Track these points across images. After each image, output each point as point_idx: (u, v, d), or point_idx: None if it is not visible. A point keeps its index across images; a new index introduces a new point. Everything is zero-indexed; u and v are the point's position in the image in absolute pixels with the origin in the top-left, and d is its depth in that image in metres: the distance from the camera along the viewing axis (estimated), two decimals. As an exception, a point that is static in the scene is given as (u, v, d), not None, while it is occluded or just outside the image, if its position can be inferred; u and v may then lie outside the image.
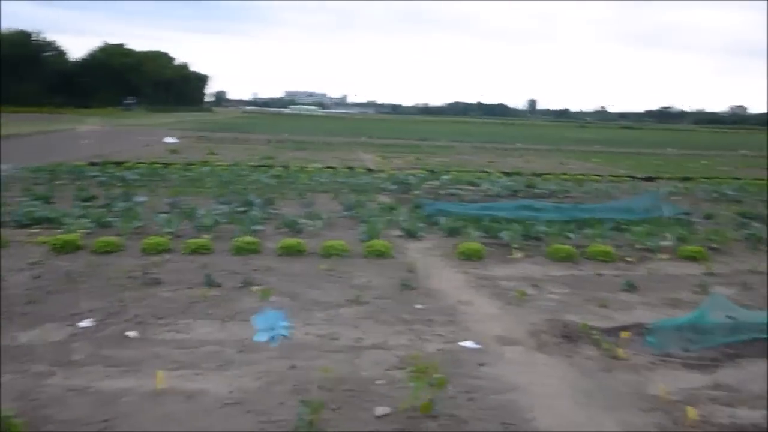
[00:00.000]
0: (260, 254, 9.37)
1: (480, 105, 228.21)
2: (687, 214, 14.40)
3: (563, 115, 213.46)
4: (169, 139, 32.74)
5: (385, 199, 15.48)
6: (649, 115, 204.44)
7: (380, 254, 9.50)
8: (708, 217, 14.47)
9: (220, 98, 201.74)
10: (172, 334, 6.15)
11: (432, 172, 21.58)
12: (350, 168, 22.00)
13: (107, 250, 9.07)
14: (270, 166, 21.44)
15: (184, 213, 11.55)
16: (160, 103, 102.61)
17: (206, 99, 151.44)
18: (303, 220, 11.37)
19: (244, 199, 13.58)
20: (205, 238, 9.83)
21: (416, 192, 16.71)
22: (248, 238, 9.67)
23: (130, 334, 6.04)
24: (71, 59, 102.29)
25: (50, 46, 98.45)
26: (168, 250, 9.31)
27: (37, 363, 5.32)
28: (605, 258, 9.83)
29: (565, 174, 23.31)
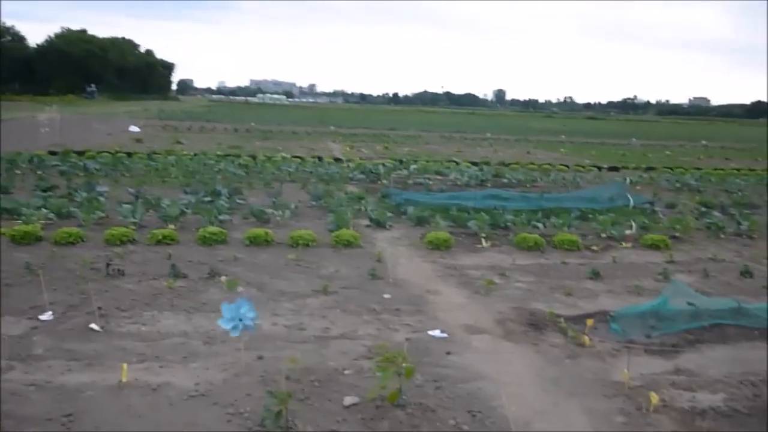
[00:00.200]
0: (227, 244, 9.27)
1: (448, 95, 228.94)
2: (650, 203, 14.69)
3: (531, 105, 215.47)
4: (133, 128, 32.11)
5: (353, 188, 15.44)
6: (613, 105, 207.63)
7: (348, 244, 9.47)
8: (670, 206, 14.79)
9: (186, 87, 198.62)
10: (136, 326, 6.04)
11: (400, 161, 21.61)
12: (318, 158, 21.89)
13: (69, 241, 8.87)
14: (237, 156, 21.20)
15: (149, 203, 11.35)
16: (124, 91, 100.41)
17: (172, 87, 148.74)
18: (270, 210, 11.28)
19: (210, 189, 13.40)
20: (170, 229, 9.68)
21: (384, 182, 16.71)
22: (214, 228, 9.55)
23: (93, 326, 5.91)
24: (30, 45, 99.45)
25: (8, 31, 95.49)
26: (132, 241, 9.15)
27: (-5, 357, 5.18)
28: (571, 247, 9.97)
29: (532, 164, 23.56)
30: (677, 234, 11.26)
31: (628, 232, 10.88)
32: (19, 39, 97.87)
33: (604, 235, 10.92)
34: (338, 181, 16.42)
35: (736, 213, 13.54)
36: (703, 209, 14.35)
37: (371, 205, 12.52)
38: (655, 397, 4.78)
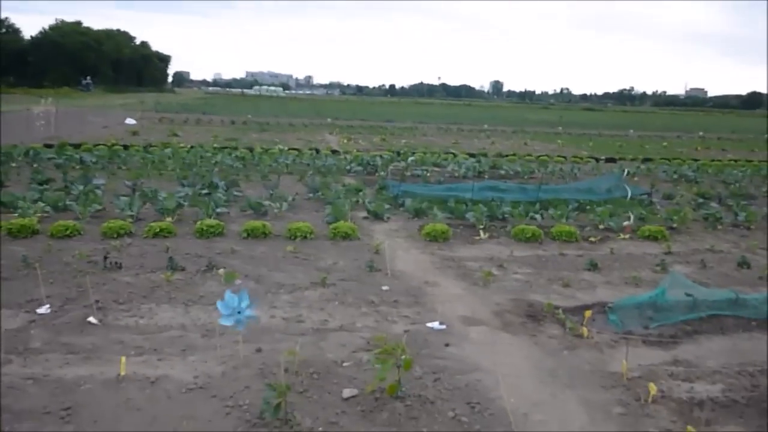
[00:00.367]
0: (224, 237, 9.25)
1: (444, 86, 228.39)
2: (648, 194, 14.69)
3: (527, 96, 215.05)
4: (130, 121, 32.00)
5: (350, 180, 15.41)
6: (609, 97, 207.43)
7: (346, 236, 9.46)
8: (668, 197, 14.80)
9: (182, 79, 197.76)
10: (134, 319, 6.03)
11: (397, 153, 21.57)
12: (315, 150, 21.83)
13: (66, 235, 8.84)
14: (234, 148, 21.13)
15: (146, 196, 11.32)
16: (120, 84, 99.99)
17: (168, 80, 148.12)
18: (267, 202, 11.25)
19: (207, 182, 13.36)
20: (167, 221, 9.65)
21: (382, 173, 16.68)
22: (212, 221, 9.52)
23: (91, 320, 5.89)
24: (25, 38, 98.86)
25: (3, 23, 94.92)
26: (129, 234, 9.12)
27: (-8, 351, 5.16)
28: (569, 238, 9.97)
29: (529, 155, 23.54)
30: (675, 225, 11.27)
31: (625, 223, 10.88)
32: (13, 31, 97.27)
33: (601, 227, 10.92)
34: (335, 173, 16.39)
35: (734, 204, 13.56)
36: (701, 200, 14.36)
37: (369, 197, 12.50)
38: (653, 388, 4.79)
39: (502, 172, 18.30)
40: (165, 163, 16.75)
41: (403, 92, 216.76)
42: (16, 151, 17.31)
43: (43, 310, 6.10)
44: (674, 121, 74.80)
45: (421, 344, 5.66)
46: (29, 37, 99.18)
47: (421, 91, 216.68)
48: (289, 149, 21.63)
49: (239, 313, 4.70)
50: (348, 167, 17.58)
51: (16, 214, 9.52)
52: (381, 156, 19.97)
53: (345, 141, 27.38)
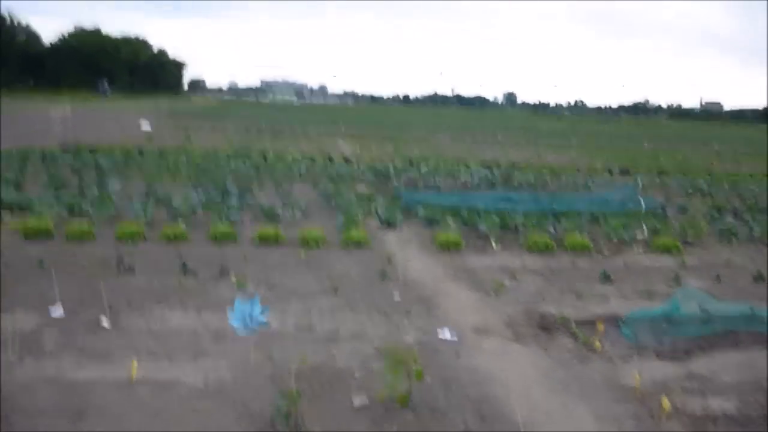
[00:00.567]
0: (237, 243, 9.28)
1: (458, 97, 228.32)
2: (662, 207, 14.57)
3: (541, 108, 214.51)
4: (145, 126, 32.21)
5: (363, 188, 15.42)
6: (624, 109, 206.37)
7: (358, 244, 9.46)
8: (682, 210, 14.66)
9: (197, 86, 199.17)
10: (146, 323, 6.05)
11: (410, 162, 21.56)
12: (329, 158, 21.88)
13: (80, 238, 8.91)
14: (247, 155, 21.22)
15: (160, 200, 11.38)
16: (136, 89, 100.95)
17: (183, 86, 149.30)
18: (280, 209, 11.28)
19: (220, 188, 13.42)
20: (180, 227, 9.70)
21: (394, 182, 16.67)
22: (225, 227, 9.56)
23: (104, 323, 5.92)
24: (44, 42, 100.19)
25: (23, 28, 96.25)
26: (142, 238, 9.17)
27: (7, 352, 5.20)
28: (582, 250, 9.91)
29: (542, 166, 23.45)
30: (689, 238, 11.16)
31: (639, 236, 10.80)
32: (33, 36, 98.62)
33: (615, 239, 10.84)
34: (348, 182, 16.40)
35: (749, 218, 13.42)
36: (716, 214, 14.22)
37: (381, 206, 12.49)
38: (666, 402, 4.73)
39: (515, 182, 18.24)
40: (179, 169, 16.85)
41: (417, 102, 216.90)
42: (33, 154, 17.49)
43: (57, 312, 6.13)
44: (689, 133, 74.33)
45: (432, 354, 5.63)
46: (49, 44, 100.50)
47: (436, 101, 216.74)
48: (303, 157, 21.69)
49: (251, 319, 4.71)
50: (360, 176, 17.60)
51: (32, 217, 9.60)
52: (394, 165, 19.98)
53: (358, 150, 27.42)
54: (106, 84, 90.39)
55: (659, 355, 5.93)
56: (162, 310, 6.42)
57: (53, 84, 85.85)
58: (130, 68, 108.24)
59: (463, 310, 6.94)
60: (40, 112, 36.27)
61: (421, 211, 11.87)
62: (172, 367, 5.11)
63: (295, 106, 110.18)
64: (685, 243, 10.81)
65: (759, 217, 13.76)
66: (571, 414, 4.72)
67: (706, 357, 5.99)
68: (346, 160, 21.61)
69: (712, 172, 25.15)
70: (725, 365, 5.81)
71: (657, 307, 7.05)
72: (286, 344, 5.70)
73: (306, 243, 9.31)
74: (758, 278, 8.86)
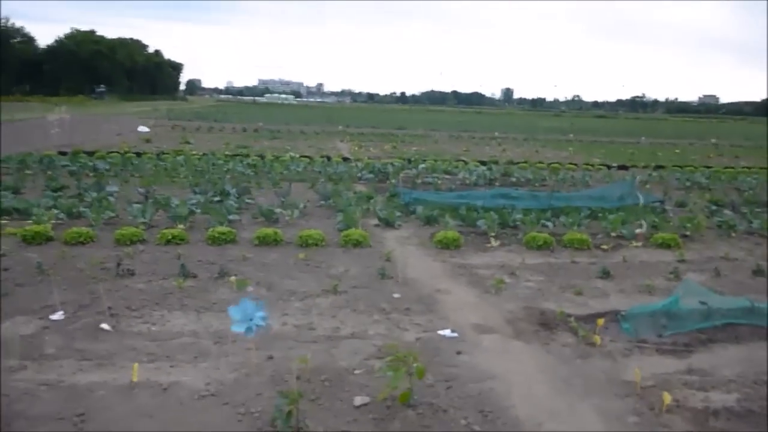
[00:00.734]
0: (236, 244, 9.28)
1: (455, 94, 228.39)
2: (660, 202, 14.59)
3: (539, 104, 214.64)
4: (142, 128, 32.21)
5: (361, 188, 15.43)
6: (622, 104, 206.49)
7: (357, 243, 9.46)
8: (681, 204, 14.68)
9: (194, 87, 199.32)
10: (146, 326, 6.05)
11: (408, 160, 21.58)
12: (326, 157, 21.89)
13: (79, 241, 8.91)
14: (245, 156, 21.23)
15: (158, 203, 11.38)
16: (133, 92, 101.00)
17: (180, 87, 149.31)
18: (279, 210, 11.29)
19: (219, 189, 13.43)
20: (179, 229, 9.71)
21: (393, 181, 16.68)
22: (223, 228, 9.56)
23: (104, 326, 5.93)
24: (40, 46, 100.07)
25: (18, 32, 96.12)
26: (142, 241, 9.17)
27: (7, 357, 5.20)
28: (581, 246, 9.92)
29: (540, 162, 23.47)
30: (688, 233, 11.18)
31: (638, 230, 10.81)
32: (29, 40, 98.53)
33: (614, 234, 10.86)
34: (347, 181, 16.41)
35: (748, 211, 13.44)
36: (714, 208, 14.24)
37: (380, 205, 12.50)
38: (667, 397, 4.74)
39: (514, 179, 18.25)
40: (177, 171, 16.85)
41: (415, 100, 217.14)
42: (31, 158, 17.48)
43: (57, 316, 6.14)
44: (686, 128, 74.39)
45: (433, 352, 5.64)
46: (45, 46, 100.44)
47: (433, 98, 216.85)
48: (301, 156, 21.70)
49: (251, 320, 4.71)
50: (359, 175, 17.61)
51: (31, 221, 9.61)
52: (392, 163, 19.98)
53: (356, 148, 27.43)
54: (102, 87, 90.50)
55: (659, 350, 5.93)
56: (162, 311, 6.42)
57: (50, 88, 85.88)
58: (126, 71, 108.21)
59: (462, 308, 6.95)
60: (37, 116, 36.24)
61: (419, 209, 11.88)
62: (172, 369, 5.11)
63: (292, 105, 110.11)
64: (684, 237, 10.83)
65: (757, 210, 13.78)
66: (572, 409, 4.73)
67: (706, 351, 6.00)
68: (344, 159, 21.62)
69: (709, 165, 25.18)
70: (726, 359, 5.82)
71: (657, 301, 7.06)
72: (287, 344, 5.70)
73: (305, 243, 9.32)
74: (757, 272, 8.87)
